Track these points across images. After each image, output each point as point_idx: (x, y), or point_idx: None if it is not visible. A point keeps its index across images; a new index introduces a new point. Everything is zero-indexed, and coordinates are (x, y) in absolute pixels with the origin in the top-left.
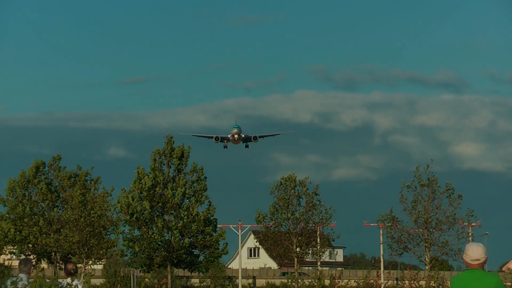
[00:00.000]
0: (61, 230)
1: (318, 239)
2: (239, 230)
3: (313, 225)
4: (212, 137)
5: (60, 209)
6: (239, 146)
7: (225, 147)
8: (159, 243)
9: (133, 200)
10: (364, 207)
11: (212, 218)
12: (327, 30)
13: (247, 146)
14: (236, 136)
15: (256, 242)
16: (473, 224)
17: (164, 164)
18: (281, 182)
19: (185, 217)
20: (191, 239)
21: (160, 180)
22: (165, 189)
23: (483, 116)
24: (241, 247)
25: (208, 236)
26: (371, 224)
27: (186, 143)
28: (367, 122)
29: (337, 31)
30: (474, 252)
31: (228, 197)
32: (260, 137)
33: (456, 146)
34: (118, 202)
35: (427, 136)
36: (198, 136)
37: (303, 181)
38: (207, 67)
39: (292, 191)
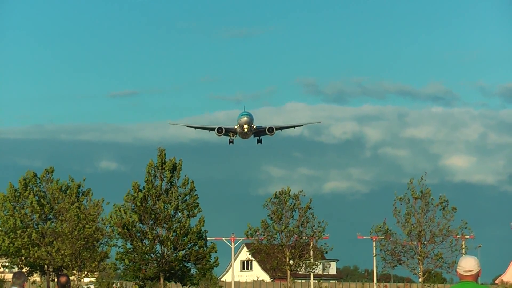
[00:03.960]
0: (54, 242)
1: (311, 252)
2: (232, 243)
3: (306, 238)
4: (213, 129)
5: (53, 222)
6: (248, 142)
7: (231, 142)
8: (151, 255)
9: (125, 213)
10: (357, 219)
11: (203, 231)
12: (317, 43)
13: (259, 141)
14: (245, 127)
15: (249, 255)
16: (466, 236)
17: (156, 177)
18: (275, 195)
19: (178, 230)
20: (184, 251)
21: (153, 192)
22: (158, 202)
23: (473, 129)
24: (234, 260)
25: (200, 249)
26: (364, 237)
27: (179, 128)
28: (358, 135)
29: (327, 44)
30: (467, 263)
31: (220, 210)
32: (277, 129)
33: (447, 158)
34: (111, 217)
35: (418, 149)
36: (196, 127)
37: (297, 195)
38: (197, 80)
39: (286, 204)
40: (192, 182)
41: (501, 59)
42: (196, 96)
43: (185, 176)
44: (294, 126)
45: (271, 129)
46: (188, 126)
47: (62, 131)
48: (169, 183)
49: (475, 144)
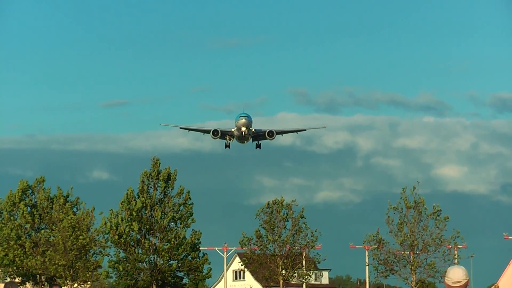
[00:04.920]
0: (47, 252)
1: (304, 262)
2: (224, 253)
3: (299, 247)
4: (208, 131)
5: (46, 231)
6: (246, 147)
7: (227, 146)
8: (144, 264)
9: (122, 221)
10: (349, 229)
11: (197, 242)
12: (308, 53)
13: (258, 146)
14: (244, 130)
15: (242, 264)
16: (459, 246)
17: (151, 187)
18: (268, 204)
19: (173, 240)
20: (178, 261)
21: (148, 202)
22: (153, 211)
23: (465, 138)
24: (226, 270)
25: (194, 260)
26: (357, 246)
27: (171, 137)
28: (349, 145)
29: (318, 53)
30: (455, 274)
31: (212, 220)
32: (278, 133)
33: (439, 168)
34: (105, 223)
35: (410, 159)
36: (189, 129)
37: (290, 204)
38: (189, 89)
39: (280, 214)
40: (188, 192)
41: (492, 69)
42: (187, 106)
43: (180, 186)
44: (297, 131)
45: (271, 133)
46: (181, 128)
47: (53, 141)
48: (163, 193)
49: (467, 154)
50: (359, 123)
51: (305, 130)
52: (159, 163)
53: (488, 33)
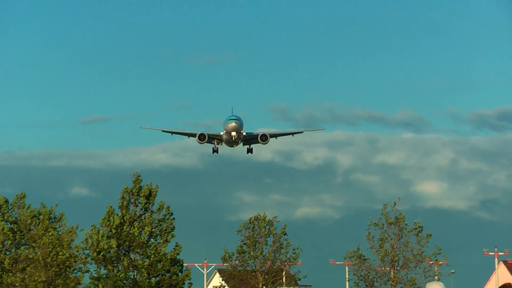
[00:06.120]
0: (27, 269)
1: (284, 279)
2: (204, 269)
3: (280, 264)
4: (194, 135)
5: (26, 248)
6: (235, 151)
7: (215, 151)
8: (124, 281)
9: (102, 237)
10: (329, 245)
11: (178, 258)
12: (287, 69)
13: (250, 151)
14: (234, 134)
15: (222, 280)
16: (440, 262)
17: (131, 203)
18: (250, 220)
19: (152, 256)
20: (158, 278)
21: (127, 218)
22: (132, 227)
23: (445, 155)
24: (207, 286)
25: (174, 276)
26: (338, 262)
27: (150, 153)
28: (329, 161)
29: (297, 70)
30: None
31: (192, 236)
32: (272, 136)
33: (418, 184)
34: (86, 240)
35: (389, 175)
36: (172, 132)
37: (271, 221)
38: (168, 106)
39: (263, 230)
40: (168, 207)
41: (471, 86)
42: (167, 122)
43: (161, 201)
44: (292, 133)
45: (264, 137)
46: (163, 131)
47: (33, 157)
48: (143, 209)
49: (446, 170)
50: (339, 139)
51: (302, 132)
52: (141, 179)
53: (467, 50)
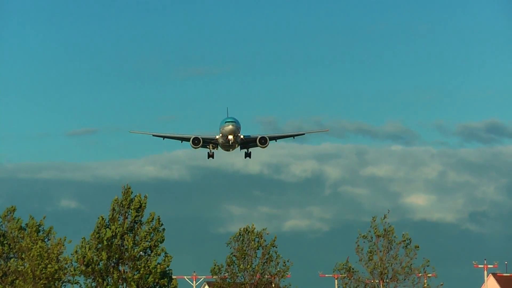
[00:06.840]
0: (16, 281)
1: None
2: (194, 281)
3: (269, 276)
4: (187, 139)
5: (15, 260)
6: (231, 156)
7: (211, 156)
8: None
9: (89, 250)
10: (318, 258)
11: (167, 270)
12: (276, 81)
13: (248, 155)
14: (231, 138)
15: None
16: (429, 275)
17: (121, 215)
18: (239, 233)
19: (142, 269)
20: None
21: (119, 231)
22: (123, 240)
23: (433, 167)
24: None
25: None
26: (326, 275)
27: (138, 166)
28: (317, 173)
29: (286, 82)
30: None
31: (181, 249)
32: (272, 139)
33: (407, 197)
34: (76, 252)
35: (378, 187)
36: (164, 137)
37: (260, 233)
38: (156, 118)
39: (252, 242)
40: (159, 218)
41: (459, 99)
42: None
43: (151, 213)
44: (294, 136)
45: (263, 140)
46: (154, 135)
47: (21, 170)
48: (133, 221)
49: (435, 183)
50: (327, 151)
51: (303, 134)
52: (131, 191)
53: (455, 63)
